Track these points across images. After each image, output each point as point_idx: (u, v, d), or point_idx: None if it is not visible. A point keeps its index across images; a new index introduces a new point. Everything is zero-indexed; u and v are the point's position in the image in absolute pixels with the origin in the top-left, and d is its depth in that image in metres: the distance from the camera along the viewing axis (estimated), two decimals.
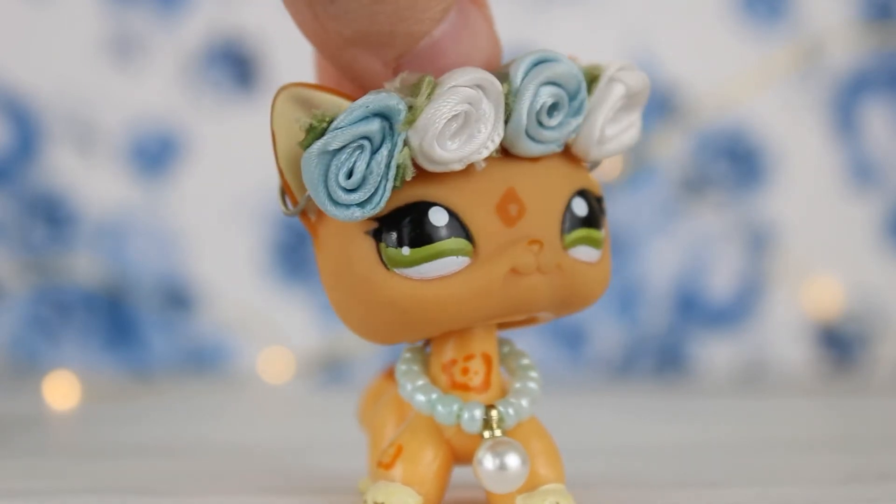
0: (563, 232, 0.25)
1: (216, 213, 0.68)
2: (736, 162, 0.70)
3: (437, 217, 0.24)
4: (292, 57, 0.67)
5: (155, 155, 0.68)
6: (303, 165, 0.24)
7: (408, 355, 0.27)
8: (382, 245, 0.24)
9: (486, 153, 0.24)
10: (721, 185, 0.70)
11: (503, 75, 0.24)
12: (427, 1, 0.24)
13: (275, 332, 0.67)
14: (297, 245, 0.68)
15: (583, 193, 0.25)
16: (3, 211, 0.67)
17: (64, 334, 0.67)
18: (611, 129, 0.26)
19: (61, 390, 0.57)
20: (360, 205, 0.24)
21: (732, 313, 0.70)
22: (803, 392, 0.64)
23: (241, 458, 0.38)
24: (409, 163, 0.24)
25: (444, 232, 0.24)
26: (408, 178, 0.24)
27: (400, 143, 0.24)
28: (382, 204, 0.24)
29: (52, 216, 0.67)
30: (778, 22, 0.70)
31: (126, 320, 0.67)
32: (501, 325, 0.27)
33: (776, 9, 0.70)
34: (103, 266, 0.67)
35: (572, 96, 0.25)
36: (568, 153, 0.26)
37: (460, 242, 0.24)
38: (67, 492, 0.31)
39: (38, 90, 0.67)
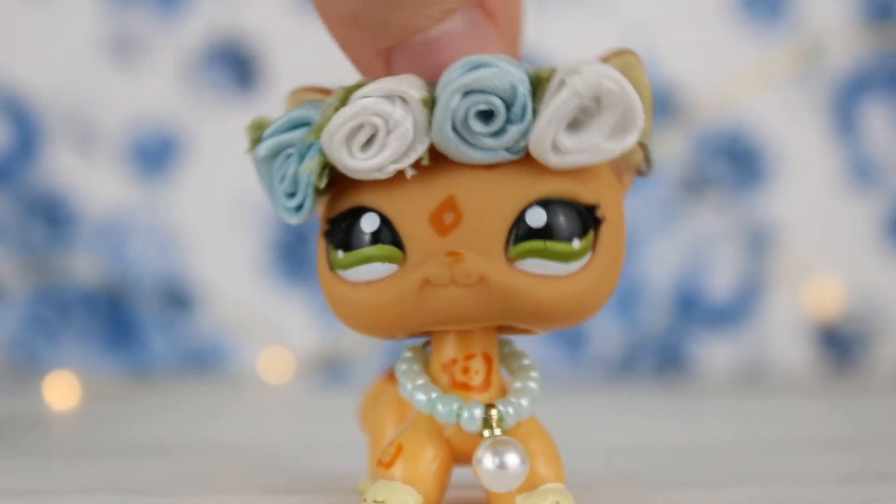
0: (509, 243, 0.24)
1: (216, 213, 0.68)
2: (736, 162, 0.70)
3: (368, 223, 0.24)
4: (292, 57, 0.68)
5: (155, 155, 0.68)
6: (255, 169, 0.25)
7: (408, 354, 0.27)
8: (330, 246, 0.25)
9: (408, 161, 0.24)
10: (721, 185, 0.70)
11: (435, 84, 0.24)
12: None
13: (275, 332, 0.67)
14: (297, 245, 0.68)
15: (549, 202, 0.24)
16: (3, 211, 0.67)
17: (64, 334, 0.67)
18: (577, 138, 0.24)
19: (61, 390, 0.57)
20: (296, 209, 0.25)
21: (732, 313, 0.70)
22: (803, 392, 0.64)
23: (241, 458, 0.38)
24: (317, 171, 0.24)
25: (372, 238, 0.24)
26: (320, 187, 0.24)
27: (312, 153, 0.24)
28: (308, 210, 0.24)
29: (52, 216, 0.68)
30: (778, 22, 0.70)
31: (126, 320, 0.67)
32: (498, 330, 0.27)
33: (776, 9, 0.70)
34: (103, 266, 0.67)
35: (509, 103, 0.23)
36: (534, 160, 0.24)
37: (387, 249, 0.24)
38: (67, 492, 0.31)
39: (38, 90, 0.67)
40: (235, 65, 0.68)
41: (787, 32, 0.70)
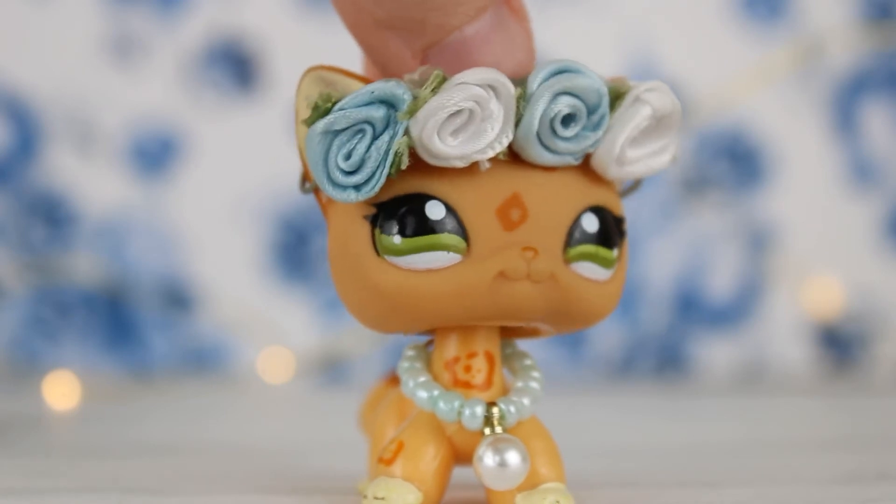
0: (567, 245, 0.25)
1: (216, 213, 0.68)
2: (736, 162, 0.70)
3: (434, 211, 0.24)
4: (292, 57, 0.68)
5: (155, 155, 0.68)
6: (306, 143, 0.24)
7: (410, 353, 0.27)
8: (377, 231, 0.24)
9: (491, 153, 0.24)
10: (721, 185, 0.70)
11: (522, 80, 0.24)
12: None
13: (275, 332, 0.67)
14: (297, 245, 0.68)
15: (598, 210, 0.25)
16: (3, 211, 0.67)
17: (64, 334, 0.67)
18: (635, 151, 0.25)
19: (61, 390, 0.57)
20: (356, 187, 0.24)
21: (732, 313, 0.70)
22: (803, 392, 0.64)
23: (241, 458, 0.38)
24: (405, 152, 0.24)
25: (438, 226, 0.24)
26: (403, 168, 0.24)
27: (400, 132, 0.24)
28: (376, 189, 0.24)
29: (52, 216, 0.68)
30: (778, 22, 0.70)
31: (126, 320, 0.67)
32: (503, 332, 0.27)
33: (776, 9, 0.70)
34: (103, 266, 0.67)
35: (591, 110, 0.24)
36: (588, 168, 0.25)
37: (453, 238, 0.24)
38: (67, 492, 0.31)
39: (38, 90, 0.67)
40: (235, 65, 0.68)
41: (787, 32, 0.70)
